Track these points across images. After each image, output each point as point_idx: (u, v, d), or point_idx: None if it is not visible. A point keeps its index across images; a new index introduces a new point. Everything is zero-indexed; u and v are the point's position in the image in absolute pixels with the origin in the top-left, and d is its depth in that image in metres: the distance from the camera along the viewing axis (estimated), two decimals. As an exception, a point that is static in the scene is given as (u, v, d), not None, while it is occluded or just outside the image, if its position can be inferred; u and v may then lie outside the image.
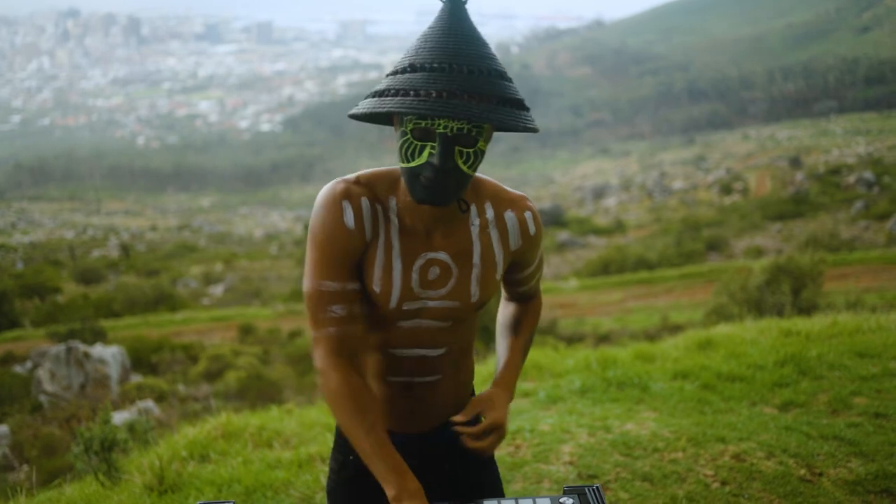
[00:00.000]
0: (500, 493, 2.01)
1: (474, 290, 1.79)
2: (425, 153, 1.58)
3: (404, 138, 1.60)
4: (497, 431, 1.76)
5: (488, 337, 15.45)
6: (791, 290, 10.79)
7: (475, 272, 1.78)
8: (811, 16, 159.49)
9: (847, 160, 61.57)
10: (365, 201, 1.71)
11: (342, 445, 1.95)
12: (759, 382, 5.31)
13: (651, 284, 26.42)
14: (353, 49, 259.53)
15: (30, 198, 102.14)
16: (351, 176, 1.75)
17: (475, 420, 1.85)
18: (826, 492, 3.64)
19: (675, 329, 13.21)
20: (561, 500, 1.71)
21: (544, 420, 4.77)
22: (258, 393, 12.99)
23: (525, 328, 2.01)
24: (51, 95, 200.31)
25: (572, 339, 14.66)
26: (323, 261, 1.69)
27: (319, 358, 1.70)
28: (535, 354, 7.07)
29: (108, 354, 15.50)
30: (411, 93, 1.54)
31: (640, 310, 21.96)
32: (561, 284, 27.67)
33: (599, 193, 71.49)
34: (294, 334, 20.23)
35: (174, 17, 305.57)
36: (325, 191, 1.72)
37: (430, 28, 1.62)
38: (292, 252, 46.32)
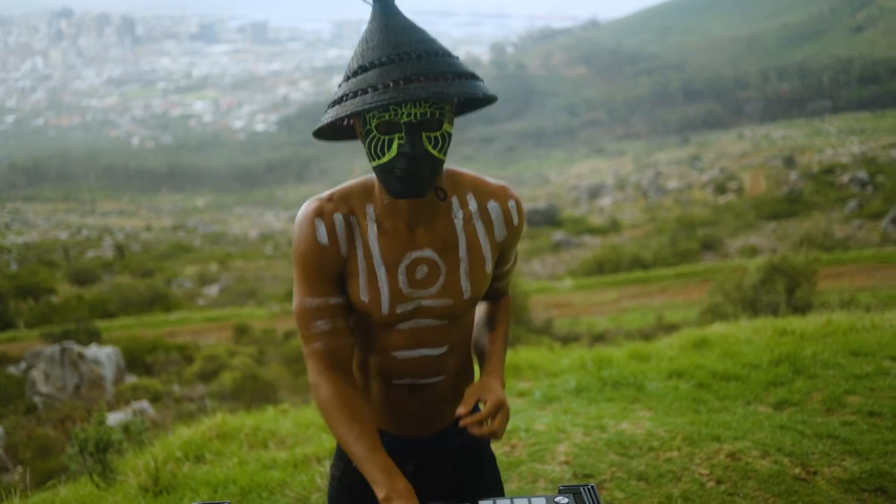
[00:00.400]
0: (500, 493, 2.03)
1: (465, 285, 1.78)
2: (394, 145, 1.59)
3: (370, 136, 1.62)
4: (502, 411, 1.74)
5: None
6: (785, 290, 10.81)
7: (463, 266, 1.78)
8: (805, 16, 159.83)
9: (841, 159, 61.66)
10: (338, 216, 1.73)
11: (344, 454, 1.96)
12: (753, 381, 5.31)
13: (646, 284, 26.46)
14: (348, 49, 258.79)
15: (24, 198, 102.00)
16: (325, 193, 1.77)
17: (476, 409, 1.86)
18: (821, 490, 3.64)
19: (670, 328, 13.24)
20: (556, 500, 1.70)
21: (540, 420, 4.77)
22: (253, 393, 12.99)
23: (501, 322, 2.00)
24: (45, 95, 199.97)
25: (567, 339, 14.69)
26: (303, 278, 1.73)
27: (311, 372, 1.74)
28: (530, 354, 7.08)
29: (103, 355, 15.48)
30: (369, 90, 1.56)
31: (635, 309, 21.99)
32: (556, 284, 27.70)
33: (594, 193, 71.55)
34: (289, 334, 20.21)
35: (168, 16, 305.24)
36: (300, 212, 1.75)
37: (366, 30, 1.65)
38: (287, 252, 46.19)
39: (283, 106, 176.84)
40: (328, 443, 4.59)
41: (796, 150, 71.89)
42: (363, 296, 1.74)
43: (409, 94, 1.52)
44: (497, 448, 4.25)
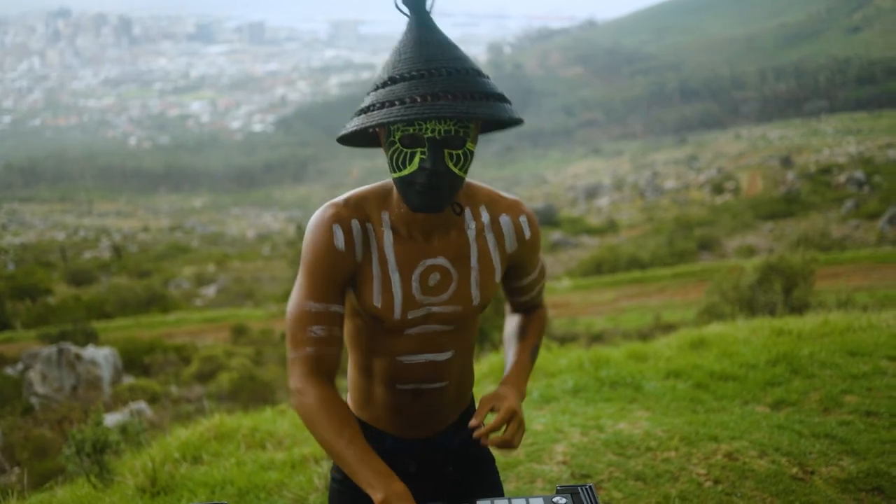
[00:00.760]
0: (500, 493, 2.04)
1: (475, 293, 1.81)
2: (416, 160, 1.61)
3: (393, 148, 1.63)
4: (515, 419, 1.75)
5: (481, 337, 15.49)
6: (783, 290, 10.82)
7: (474, 275, 1.81)
8: (803, 16, 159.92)
9: (838, 160, 61.74)
10: (355, 223, 1.74)
11: None
12: (751, 381, 5.32)
13: (643, 284, 26.46)
14: (345, 49, 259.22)
15: (21, 199, 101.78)
16: (340, 199, 1.78)
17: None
18: (818, 490, 3.65)
19: (668, 328, 13.24)
20: (554, 500, 1.71)
21: (537, 420, 4.77)
22: (251, 394, 12.99)
23: (531, 334, 2.03)
24: (41, 96, 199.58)
25: (565, 339, 14.67)
26: (310, 282, 1.72)
27: (296, 377, 1.71)
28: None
29: (100, 356, 15.48)
30: (396, 102, 1.56)
31: (632, 309, 22.00)
32: (554, 284, 27.68)
33: (592, 193, 71.58)
34: (287, 335, 20.17)
35: (165, 17, 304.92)
36: (315, 216, 1.76)
37: (400, 42, 1.65)
38: (285, 253, 46.18)
39: (281, 106, 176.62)
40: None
41: (793, 150, 71.94)
42: (376, 301, 1.76)
43: (434, 111, 1.53)
44: (495, 448, 4.24)
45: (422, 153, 1.60)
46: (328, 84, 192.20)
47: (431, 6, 1.66)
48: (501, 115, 1.59)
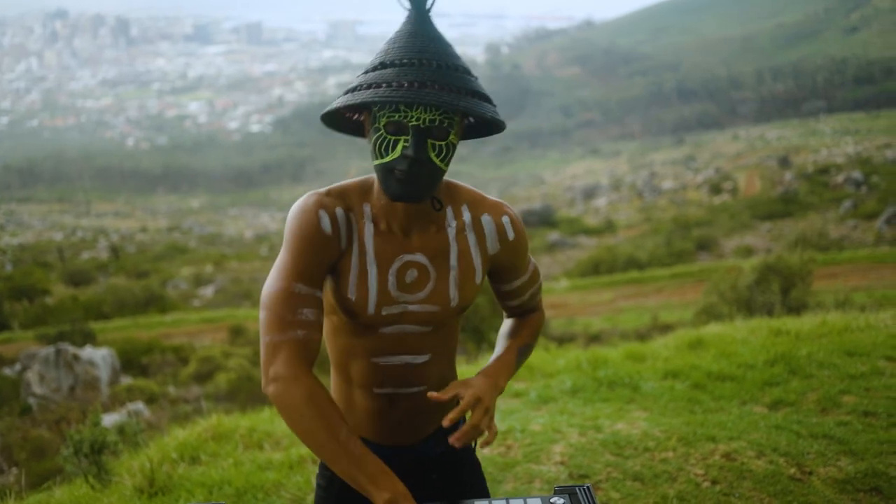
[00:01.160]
0: (486, 497, 2.00)
1: (453, 293, 1.79)
2: (399, 147, 1.60)
3: (377, 134, 1.62)
4: (479, 406, 1.69)
5: (478, 338, 15.47)
6: (781, 290, 10.82)
7: (453, 274, 1.78)
8: (800, 16, 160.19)
9: (836, 160, 61.78)
10: (339, 210, 1.72)
11: None
12: (749, 381, 5.32)
13: (641, 284, 26.45)
14: (343, 49, 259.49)
15: (18, 199, 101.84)
16: (322, 190, 1.76)
17: (462, 421, 1.85)
18: (816, 490, 3.65)
19: (666, 329, 13.22)
20: (552, 500, 1.70)
21: (535, 420, 4.77)
22: (249, 394, 12.95)
23: (522, 334, 1.99)
24: (39, 97, 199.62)
25: (563, 340, 14.66)
26: (298, 264, 1.67)
27: (282, 364, 1.60)
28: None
29: (98, 356, 15.47)
30: (383, 85, 1.57)
31: (630, 310, 21.99)
32: (552, 285, 27.68)
33: (589, 193, 71.58)
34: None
35: (163, 17, 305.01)
36: (298, 203, 1.73)
37: (397, 31, 1.66)
38: (283, 253, 46.13)
39: (279, 107, 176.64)
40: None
41: (791, 150, 72.00)
42: (351, 293, 1.73)
43: (420, 98, 1.54)
44: (492, 449, 4.25)
45: (405, 141, 1.59)
46: (326, 84, 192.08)
47: (431, 5, 1.67)
48: (484, 112, 1.59)
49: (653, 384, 5.45)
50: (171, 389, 14.91)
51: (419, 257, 1.76)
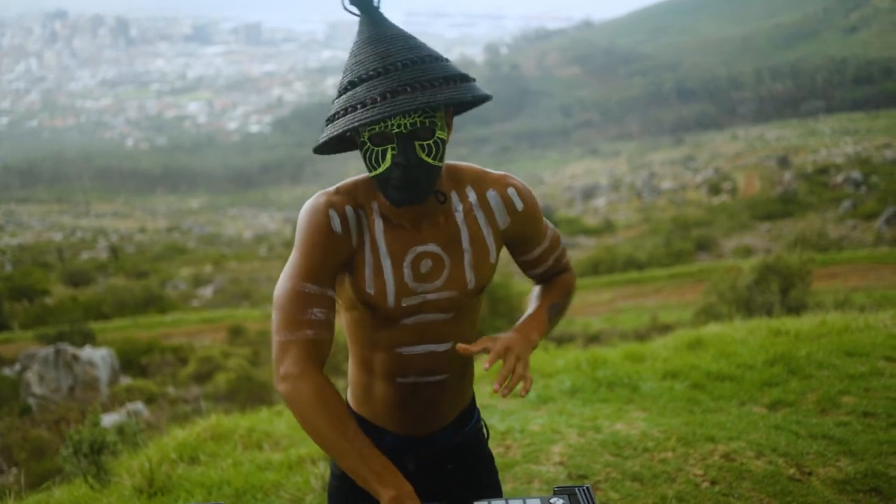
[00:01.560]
0: (498, 492, 2.04)
1: (469, 276, 1.80)
2: (388, 156, 1.61)
3: (365, 148, 1.64)
4: (510, 354, 1.72)
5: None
6: (780, 290, 10.82)
7: (467, 258, 1.80)
8: (799, 16, 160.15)
9: (835, 160, 61.75)
10: (349, 209, 1.74)
11: None
12: (748, 382, 5.32)
13: (640, 284, 26.45)
14: (342, 50, 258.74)
15: (18, 200, 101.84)
16: (331, 189, 1.78)
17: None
18: (815, 491, 3.65)
19: (665, 329, 13.22)
20: (551, 501, 1.70)
21: (534, 420, 4.77)
22: (248, 394, 12.97)
23: (552, 294, 1.99)
24: (39, 97, 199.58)
25: (562, 340, 14.66)
26: (308, 264, 1.69)
27: (291, 363, 1.63)
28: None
29: (98, 357, 15.48)
30: (358, 106, 1.58)
31: (629, 310, 21.99)
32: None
33: (589, 194, 71.59)
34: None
35: (162, 18, 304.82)
36: (308, 204, 1.75)
37: (354, 43, 1.66)
38: (282, 253, 46.21)
39: (278, 107, 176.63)
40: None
41: (790, 150, 71.97)
42: (369, 288, 1.75)
43: (396, 108, 1.54)
44: (491, 449, 4.25)
45: (392, 149, 1.61)
46: (325, 85, 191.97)
47: (379, 1, 1.66)
48: (464, 95, 1.59)
49: (652, 384, 5.45)
50: (171, 390, 14.92)
51: (431, 247, 1.77)
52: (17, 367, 15.99)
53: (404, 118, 1.58)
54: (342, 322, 1.92)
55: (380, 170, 1.63)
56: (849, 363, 5.47)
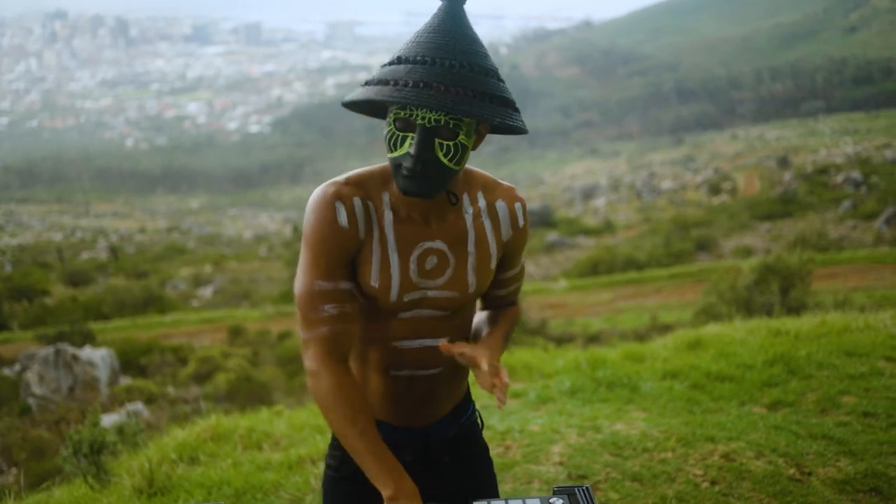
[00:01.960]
0: (494, 486, 2.06)
1: (471, 279, 1.81)
2: (406, 143, 1.63)
3: (389, 128, 1.65)
4: (493, 360, 1.74)
5: None
6: (780, 290, 10.81)
7: (471, 260, 1.81)
8: (799, 16, 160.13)
9: (835, 160, 61.69)
10: (357, 200, 1.74)
11: (340, 444, 1.95)
12: (748, 382, 5.32)
13: (640, 284, 26.43)
14: (341, 50, 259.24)
15: (17, 200, 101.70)
16: (341, 177, 1.77)
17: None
18: (815, 491, 3.65)
19: (665, 329, 13.21)
20: (551, 501, 1.70)
21: (534, 420, 4.77)
22: (248, 395, 12.97)
23: (503, 322, 1.97)
24: (38, 97, 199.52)
25: (562, 340, 14.68)
26: (316, 261, 1.71)
27: (311, 359, 1.71)
28: (524, 355, 7.08)
29: (97, 357, 15.46)
30: (391, 82, 1.59)
31: (629, 310, 21.97)
32: (550, 285, 27.68)
33: (588, 194, 71.50)
34: (283, 336, 20.19)
35: (162, 18, 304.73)
36: (316, 194, 1.74)
37: (425, 24, 1.67)
38: (281, 253, 46.20)
39: (277, 107, 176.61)
40: (322, 444, 4.59)
41: (790, 150, 71.90)
42: (374, 281, 1.76)
43: (419, 100, 1.55)
44: (491, 449, 4.24)
45: (412, 138, 1.62)
46: (325, 85, 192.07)
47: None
48: (489, 116, 1.59)
49: (652, 384, 5.45)
50: (171, 390, 14.91)
51: (438, 244, 1.78)
52: (17, 367, 15.99)
53: (429, 112, 1.59)
54: None
55: (396, 153, 1.64)
56: (849, 363, 5.47)
